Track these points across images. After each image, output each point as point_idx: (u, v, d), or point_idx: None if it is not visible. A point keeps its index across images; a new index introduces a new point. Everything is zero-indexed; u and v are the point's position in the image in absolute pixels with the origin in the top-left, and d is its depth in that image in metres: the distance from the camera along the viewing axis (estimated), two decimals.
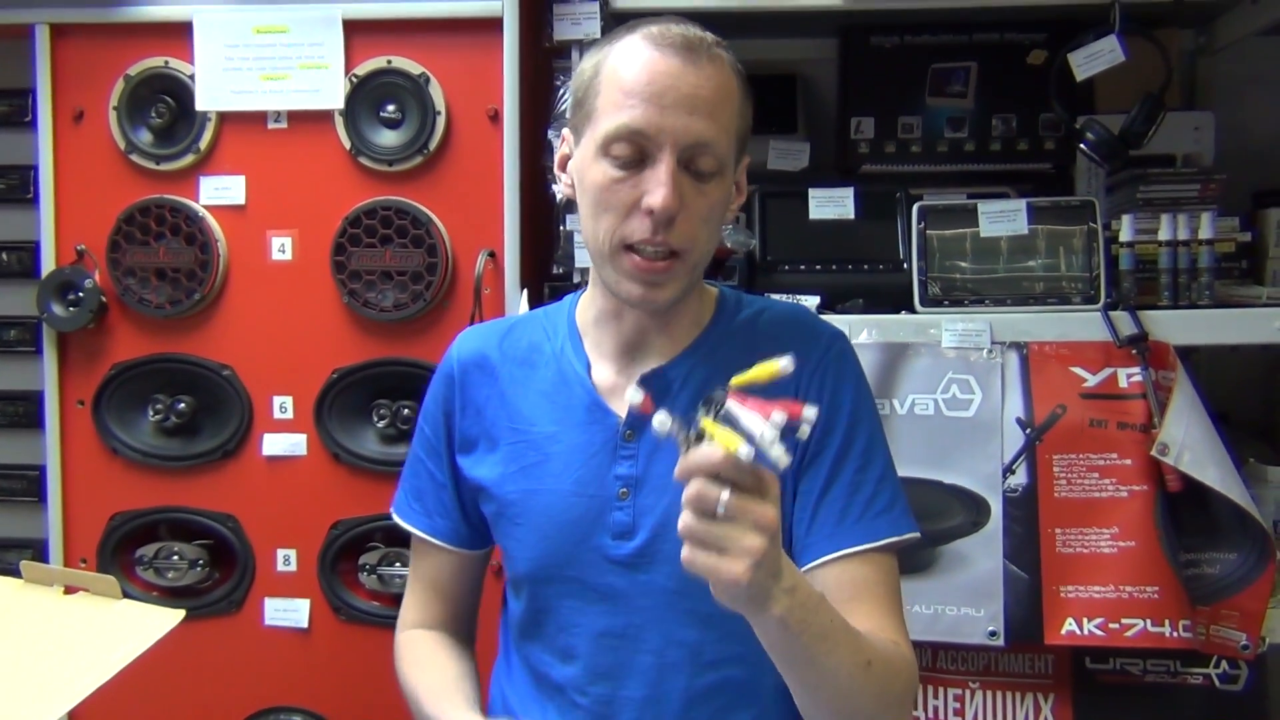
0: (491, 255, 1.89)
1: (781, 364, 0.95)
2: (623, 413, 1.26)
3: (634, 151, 1.17)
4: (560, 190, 1.30)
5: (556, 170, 1.31)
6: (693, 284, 1.27)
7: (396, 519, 1.43)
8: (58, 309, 1.94)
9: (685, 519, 0.95)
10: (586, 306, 1.35)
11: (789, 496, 1.25)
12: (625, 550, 1.24)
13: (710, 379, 1.26)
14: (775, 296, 1.89)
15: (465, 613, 1.45)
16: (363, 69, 1.91)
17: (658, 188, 1.16)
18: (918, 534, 1.28)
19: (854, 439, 1.26)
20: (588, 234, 1.24)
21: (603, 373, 1.30)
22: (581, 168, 1.24)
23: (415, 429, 1.42)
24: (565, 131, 1.29)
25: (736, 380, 0.96)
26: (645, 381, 1.26)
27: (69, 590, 1.27)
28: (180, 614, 1.22)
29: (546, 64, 1.96)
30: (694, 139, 1.17)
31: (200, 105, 1.93)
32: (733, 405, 0.93)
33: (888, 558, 1.26)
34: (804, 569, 1.23)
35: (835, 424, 1.26)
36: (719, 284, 1.40)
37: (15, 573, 1.31)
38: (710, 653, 1.24)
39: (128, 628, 1.20)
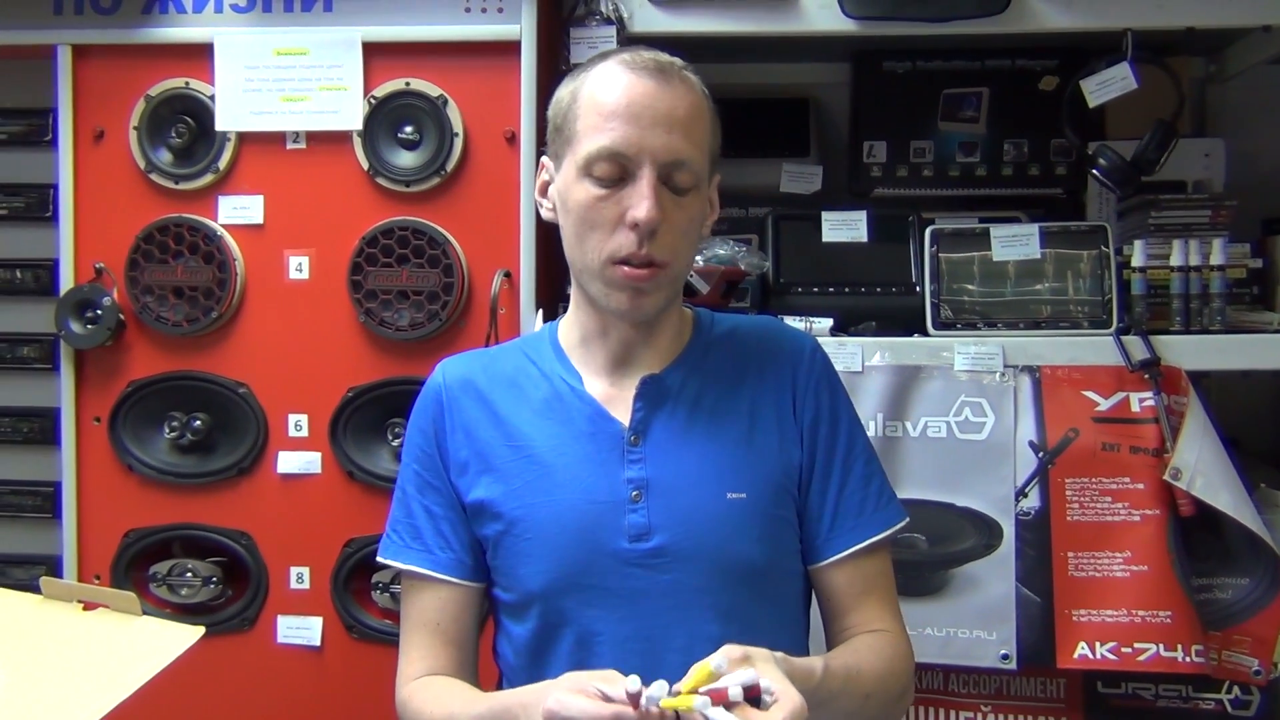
0: (507, 275, 1.90)
1: (713, 664, 1.04)
2: (624, 418, 1.30)
3: (615, 170, 1.23)
4: (544, 214, 1.35)
5: (537, 196, 1.35)
6: (674, 295, 1.32)
7: (391, 563, 1.37)
8: (76, 326, 1.95)
9: None
10: (569, 329, 1.38)
11: (800, 495, 1.33)
12: (643, 550, 1.26)
13: (705, 387, 1.33)
14: (788, 319, 1.91)
15: (470, 661, 1.38)
16: (381, 90, 1.92)
17: (641, 201, 1.21)
18: (908, 518, 1.38)
19: (856, 436, 1.36)
20: (574, 254, 1.29)
21: (596, 386, 1.33)
22: (564, 190, 1.28)
23: (401, 469, 1.40)
24: (544, 159, 1.34)
25: (682, 686, 1.03)
26: (646, 385, 1.30)
27: (88, 606, 1.28)
28: (200, 630, 1.22)
29: None
30: (672, 155, 1.22)
31: (220, 126, 1.94)
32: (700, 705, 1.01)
33: (888, 546, 1.37)
34: (830, 560, 1.32)
35: (839, 425, 1.35)
36: (689, 305, 1.43)
37: (35, 589, 1.32)
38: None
39: (148, 644, 1.21)
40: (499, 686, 1.37)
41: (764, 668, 1.06)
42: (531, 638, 1.30)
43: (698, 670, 1.05)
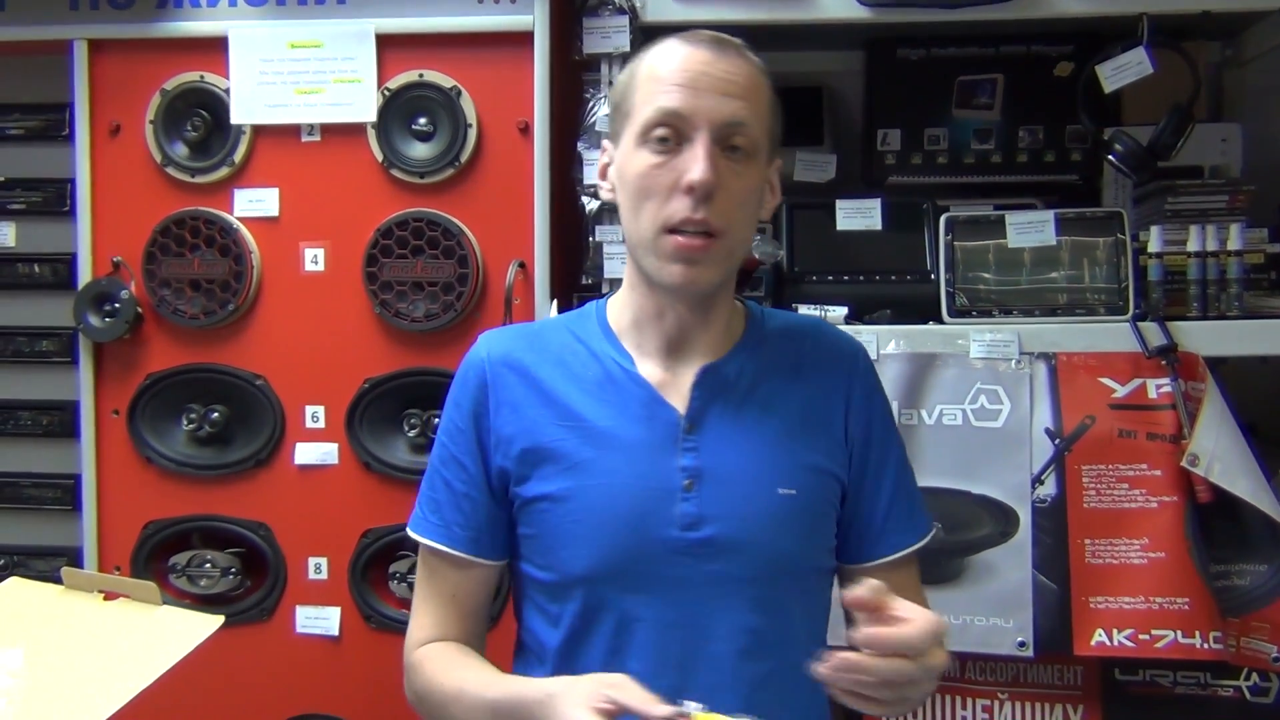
0: (522, 266, 1.90)
1: None
2: (680, 406, 1.29)
3: (671, 135, 1.22)
4: (604, 195, 1.34)
5: (598, 180, 1.35)
6: (730, 272, 1.30)
7: (413, 535, 1.38)
8: (94, 320, 1.97)
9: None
10: (621, 311, 1.36)
11: (850, 494, 1.35)
12: (693, 539, 1.25)
13: (760, 379, 1.32)
14: (803, 308, 1.91)
15: (480, 629, 1.40)
16: (395, 82, 1.93)
17: (695, 163, 1.20)
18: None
19: (901, 445, 1.40)
20: (629, 227, 1.28)
21: (650, 369, 1.31)
22: (622, 165, 1.28)
23: (435, 443, 1.39)
24: (605, 143, 1.34)
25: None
26: (706, 374, 1.30)
27: (108, 596, 1.29)
28: (219, 619, 1.23)
29: (576, 77, 1.98)
30: (728, 118, 1.22)
31: (235, 119, 1.95)
32: None
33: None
34: (881, 560, 1.35)
35: (891, 435, 1.38)
36: (741, 298, 1.42)
37: (56, 580, 1.33)
38: (772, 637, 1.27)
39: (168, 633, 1.22)
40: (519, 656, 1.38)
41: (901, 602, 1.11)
42: (572, 619, 1.29)
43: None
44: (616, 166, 1.30)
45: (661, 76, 1.24)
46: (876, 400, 1.37)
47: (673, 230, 1.23)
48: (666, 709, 1.04)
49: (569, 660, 1.30)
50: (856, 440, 1.34)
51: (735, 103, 1.22)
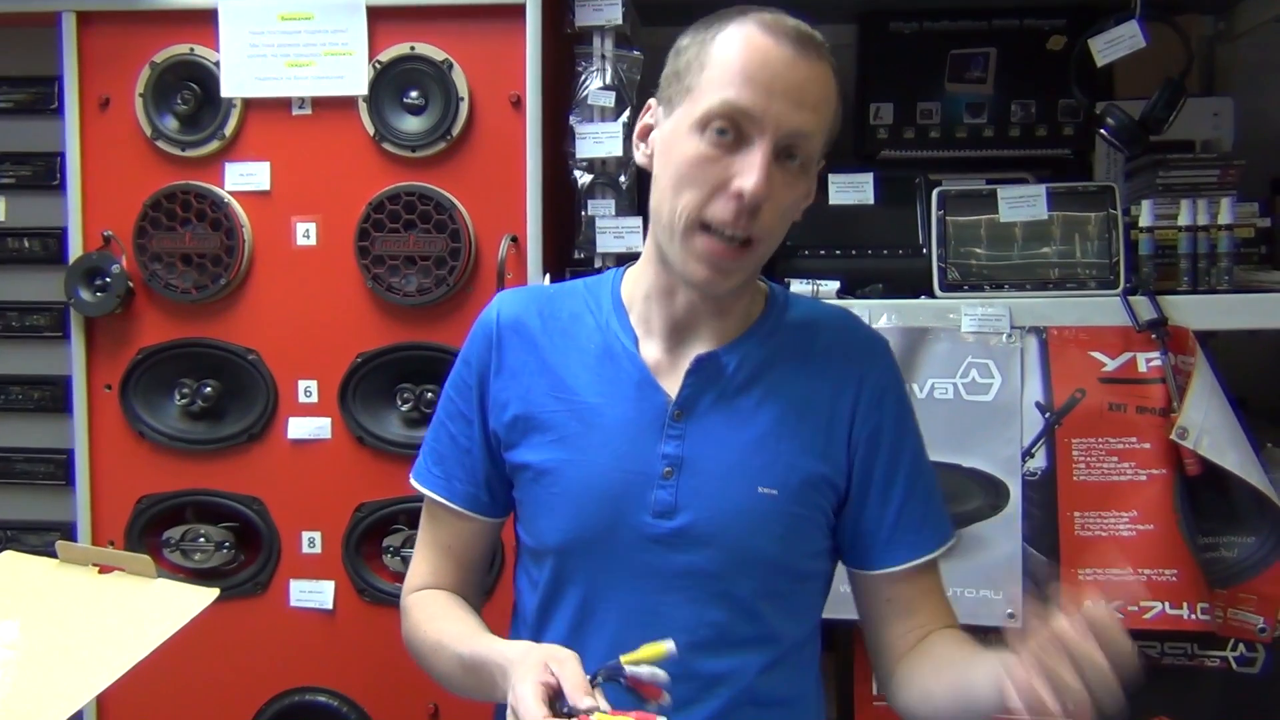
0: (514, 240, 1.90)
1: (667, 646, 1.07)
2: (672, 391, 1.26)
3: (731, 129, 1.16)
4: (638, 158, 1.28)
5: (636, 139, 1.29)
6: (755, 274, 1.28)
7: (414, 484, 1.40)
8: (85, 294, 1.96)
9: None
10: (636, 281, 1.33)
11: (853, 500, 1.31)
12: (665, 529, 1.24)
13: (760, 373, 1.28)
14: (796, 284, 1.91)
15: (476, 580, 1.43)
16: (386, 55, 1.92)
17: (751, 171, 1.15)
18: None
19: (921, 449, 1.34)
20: (662, 208, 1.22)
21: (650, 350, 1.29)
22: (671, 140, 1.21)
23: (441, 394, 1.40)
24: (651, 101, 1.28)
25: (625, 658, 1.08)
26: (700, 363, 1.26)
27: (103, 570, 1.29)
28: (214, 592, 1.24)
29: (568, 50, 1.97)
30: (795, 128, 1.16)
31: (225, 92, 1.94)
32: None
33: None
34: (886, 570, 1.31)
35: (906, 437, 1.32)
36: (764, 279, 1.39)
37: (51, 554, 1.34)
38: (738, 633, 1.26)
39: (163, 606, 1.23)
40: (512, 614, 1.41)
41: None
42: (545, 587, 1.32)
43: (650, 647, 1.08)
44: (663, 138, 1.24)
45: (736, 65, 1.16)
46: (888, 403, 1.30)
47: (708, 227, 1.18)
48: (586, 701, 1.04)
49: (541, 627, 1.33)
50: (861, 446, 1.29)
51: (805, 114, 1.16)
